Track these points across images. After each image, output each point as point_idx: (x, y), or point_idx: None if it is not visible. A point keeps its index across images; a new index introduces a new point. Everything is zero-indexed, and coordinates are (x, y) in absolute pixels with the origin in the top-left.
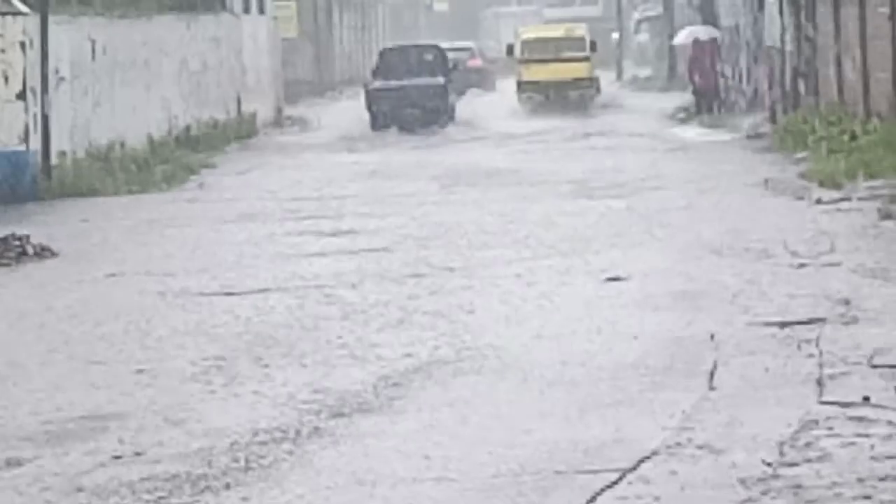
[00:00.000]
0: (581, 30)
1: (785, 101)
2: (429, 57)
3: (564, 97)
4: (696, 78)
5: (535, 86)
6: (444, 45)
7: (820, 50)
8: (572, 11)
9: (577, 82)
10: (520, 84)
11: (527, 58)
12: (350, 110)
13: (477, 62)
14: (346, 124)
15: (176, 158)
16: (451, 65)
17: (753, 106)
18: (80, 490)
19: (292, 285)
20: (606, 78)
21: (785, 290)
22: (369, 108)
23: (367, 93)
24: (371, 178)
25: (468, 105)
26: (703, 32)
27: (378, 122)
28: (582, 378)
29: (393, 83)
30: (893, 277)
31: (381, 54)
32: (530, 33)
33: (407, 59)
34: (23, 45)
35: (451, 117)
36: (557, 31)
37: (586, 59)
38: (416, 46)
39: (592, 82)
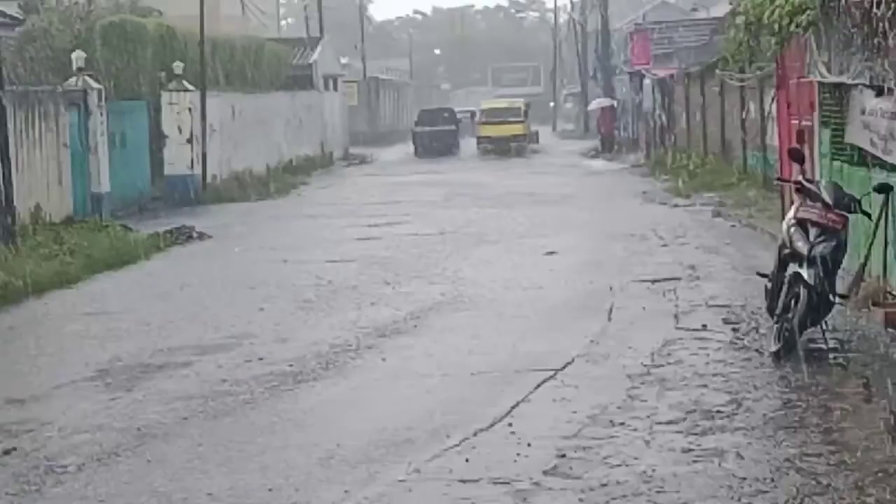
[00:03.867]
0: (520, 102)
1: (655, 145)
2: (446, 115)
3: (507, 147)
4: (602, 129)
5: (488, 139)
6: (456, 108)
7: (676, 113)
8: (524, 90)
9: (515, 137)
10: (478, 138)
11: (483, 120)
12: (393, 151)
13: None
14: (390, 158)
15: (283, 179)
16: (459, 119)
17: (636, 147)
18: (224, 381)
19: (355, 256)
20: (545, 131)
21: (655, 259)
22: (414, 142)
23: (413, 134)
24: (403, 190)
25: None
26: (606, 102)
27: (419, 150)
28: (531, 313)
29: (426, 129)
30: (722, 252)
31: (420, 113)
32: (486, 104)
33: (434, 115)
34: (190, 109)
35: (458, 148)
36: (504, 104)
37: (521, 122)
38: (439, 109)
39: (527, 137)
